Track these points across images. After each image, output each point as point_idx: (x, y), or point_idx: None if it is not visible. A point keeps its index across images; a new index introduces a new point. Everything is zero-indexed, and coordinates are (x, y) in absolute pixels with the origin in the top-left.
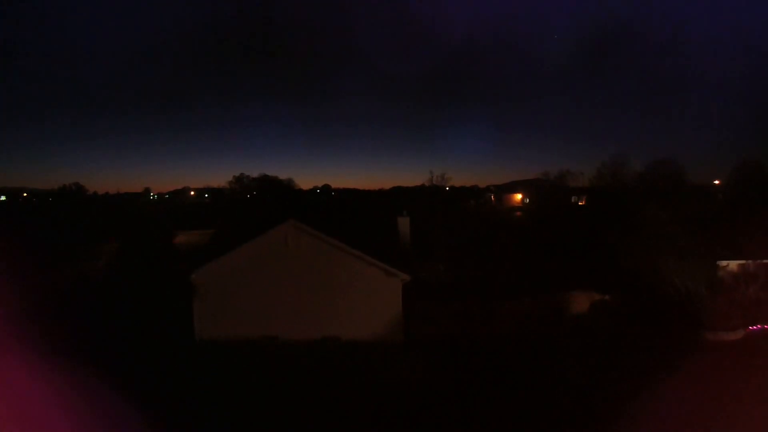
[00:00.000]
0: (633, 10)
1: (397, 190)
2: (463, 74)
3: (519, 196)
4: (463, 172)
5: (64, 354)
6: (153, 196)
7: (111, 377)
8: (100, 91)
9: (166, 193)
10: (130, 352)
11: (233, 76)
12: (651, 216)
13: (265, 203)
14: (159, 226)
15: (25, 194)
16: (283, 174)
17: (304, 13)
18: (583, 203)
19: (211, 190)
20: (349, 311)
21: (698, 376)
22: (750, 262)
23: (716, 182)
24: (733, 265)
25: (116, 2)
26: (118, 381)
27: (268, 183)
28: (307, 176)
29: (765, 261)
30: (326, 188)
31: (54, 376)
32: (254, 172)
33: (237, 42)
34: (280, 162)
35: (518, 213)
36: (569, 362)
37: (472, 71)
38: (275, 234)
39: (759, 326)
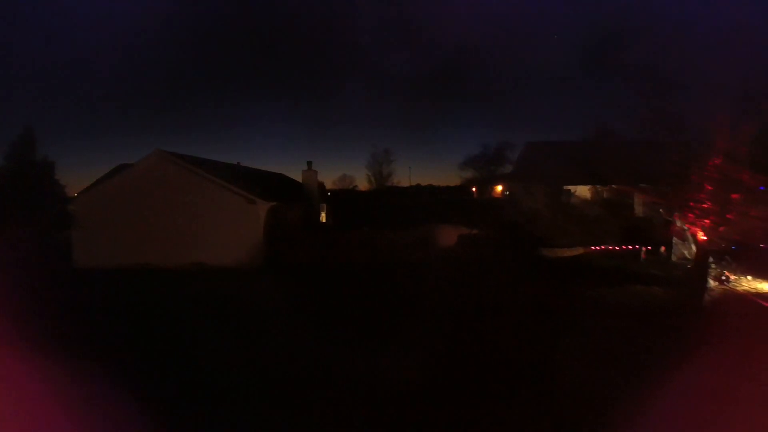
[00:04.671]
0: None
1: (394, 190)
2: (462, 76)
3: (499, 188)
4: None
5: None
6: None
7: None
8: (97, 89)
9: None
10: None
11: (229, 75)
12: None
13: None
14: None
15: None
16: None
17: (298, 11)
18: None
19: None
20: (215, 238)
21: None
22: (599, 187)
23: None
24: (583, 189)
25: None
26: None
27: None
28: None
29: (615, 186)
30: (321, 187)
31: None
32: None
33: (233, 42)
34: (278, 162)
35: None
36: (427, 278)
37: (472, 72)
38: (144, 164)
39: (602, 247)
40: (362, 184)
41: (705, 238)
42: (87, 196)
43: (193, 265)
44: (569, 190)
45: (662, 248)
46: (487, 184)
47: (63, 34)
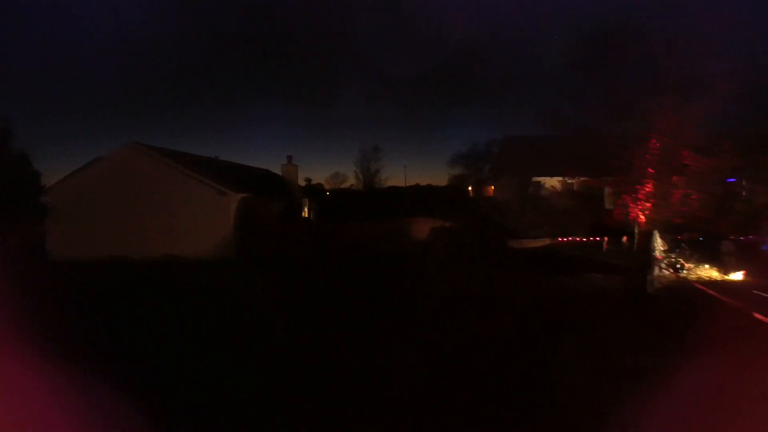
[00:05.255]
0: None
1: (393, 190)
2: (462, 74)
3: (492, 188)
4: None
5: None
6: None
7: None
8: (95, 89)
9: None
10: None
11: (226, 74)
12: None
13: None
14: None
15: None
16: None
17: (295, 11)
18: None
19: None
20: (186, 229)
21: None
22: (567, 179)
23: None
24: (553, 181)
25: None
26: None
27: None
28: (303, 177)
29: (583, 179)
30: (319, 186)
31: None
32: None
33: (229, 40)
34: (275, 161)
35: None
36: (392, 267)
37: (471, 70)
38: (118, 155)
39: (570, 238)
40: (359, 183)
41: (645, 221)
42: (61, 188)
43: (166, 256)
44: (539, 182)
45: (624, 238)
46: (476, 180)
47: (46, 28)
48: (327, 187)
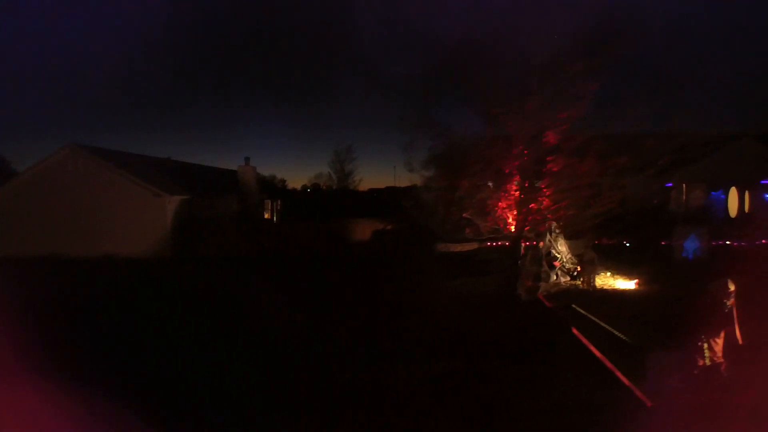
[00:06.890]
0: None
1: (392, 190)
2: (457, 73)
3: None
4: None
5: None
6: None
7: None
8: (94, 90)
9: None
10: None
11: (225, 76)
12: None
13: None
14: None
15: None
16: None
17: (299, 11)
18: None
19: None
20: (123, 230)
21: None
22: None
23: None
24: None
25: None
26: None
27: None
28: (303, 177)
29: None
30: (316, 187)
31: None
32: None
33: (230, 41)
34: (277, 163)
35: None
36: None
37: (465, 69)
38: (56, 157)
39: (499, 243)
40: (363, 184)
41: (513, 227)
42: (4, 190)
43: (104, 256)
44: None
45: (541, 243)
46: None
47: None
48: (324, 187)
